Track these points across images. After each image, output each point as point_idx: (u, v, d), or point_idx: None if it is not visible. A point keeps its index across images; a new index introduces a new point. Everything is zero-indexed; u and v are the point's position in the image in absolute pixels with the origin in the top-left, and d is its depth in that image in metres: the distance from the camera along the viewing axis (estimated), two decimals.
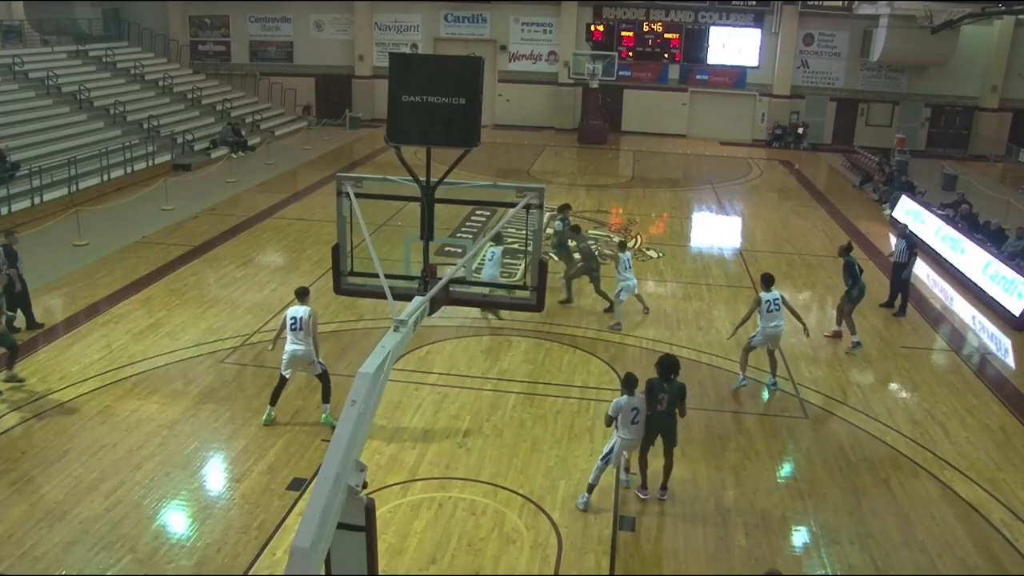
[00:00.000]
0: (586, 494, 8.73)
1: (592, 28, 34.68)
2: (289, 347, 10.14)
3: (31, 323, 12.75)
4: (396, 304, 6.51)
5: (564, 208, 15.52)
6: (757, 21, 33.89)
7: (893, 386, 12.15)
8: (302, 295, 10.42)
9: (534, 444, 9.96)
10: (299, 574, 4.87)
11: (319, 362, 10.29)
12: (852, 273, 13.13)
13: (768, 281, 11.57)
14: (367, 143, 31.13)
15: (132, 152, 23.19)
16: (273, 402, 10.30)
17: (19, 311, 12.60)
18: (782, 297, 11.40)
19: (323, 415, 10.31)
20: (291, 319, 10.11)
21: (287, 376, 10.25)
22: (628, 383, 8.70)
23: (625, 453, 8.92)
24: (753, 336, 11.52)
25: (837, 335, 13.56)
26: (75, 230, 17.21)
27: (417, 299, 6.67)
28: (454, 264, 7.35)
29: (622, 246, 14.24)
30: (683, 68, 34.62)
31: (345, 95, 36.00)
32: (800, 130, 33.71)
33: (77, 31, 31.59)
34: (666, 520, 8.66)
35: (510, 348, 12.73)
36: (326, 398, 10.31)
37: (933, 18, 29.70)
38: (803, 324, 11.77)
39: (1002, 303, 15.18)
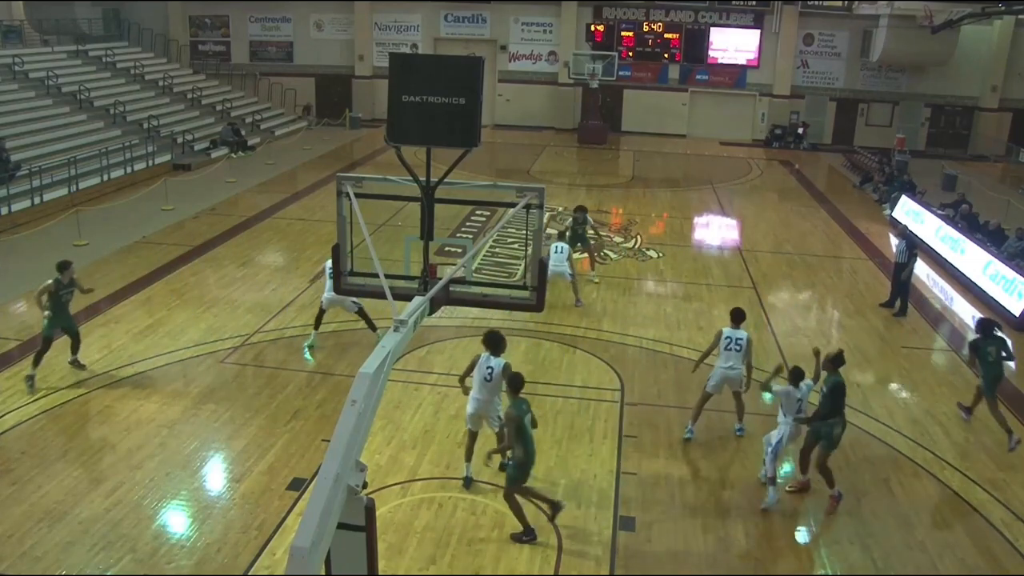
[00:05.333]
0: (772, 489, 8.82)
1: (592, 28, 34.68)
2: (327, 293, 11.89)
3: None
4: (396, 304, 6.51)
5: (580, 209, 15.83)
6: (757, 21, 33.88)
7: (893, 386, 12.14)
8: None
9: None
10: (299, 574, 4.88)
11: (354, 301, 11.70)
12: (1005, 347, 10.61)
13: (738, 317, 10.09)
14: (367, 143, 31.14)
15: (132, 152, 23.19)
16: (316, 327, 12.27)
17: None
18: (749, 339, 9.94)
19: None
20: (330, 269, 11.26)
21: (325, 308, 12.12)
22: (795, 375, 8.93)
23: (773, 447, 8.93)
24: (708, 380, 10.13)
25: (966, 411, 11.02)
26: (75, 230, 17.21)
27: (417, 299, 6.67)
28: (454, 264, 7.35)
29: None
30: (683, 68, 34.62)
31: (345, 95, 35.99)
32: (800, 130, 33.71)
33: (77, 31, 31.59)
34: (666, 520, 8.65)
35: (510, 348, 12.66)
36: (372, 327, 12.24)
37: (933, 18, 29.69)
38: (748, 378, 10.13)
39: (1002, 303, 15.18)
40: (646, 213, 22.08)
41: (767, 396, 10.86)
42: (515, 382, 8.24)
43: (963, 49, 31.68)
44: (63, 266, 11.28)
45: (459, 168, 6.80)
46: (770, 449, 8.87)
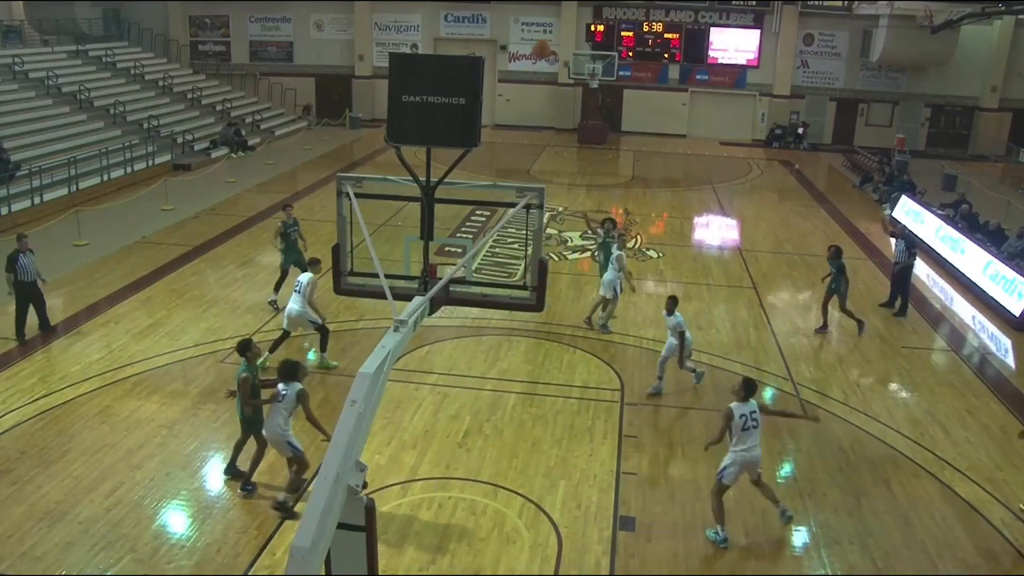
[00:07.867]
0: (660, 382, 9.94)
1: (592, 28, 34.68)
2: (288, 305, 11.69)
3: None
4: (396, 304, 6.51)
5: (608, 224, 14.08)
6: (757, 21, 33.89)
7: (893, 386, 12.14)
8: (313, 263, 11.92)
9: (534, 444, 9.95)
10: (299, 574, 4.88)
11: (312, 321, 11.61)
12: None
13: (749, 388, 8.21)
14: (367, 143, 31.14)
15: (132, 152, 23.19)
16: (272, 350, 11.50)
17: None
18: (760, 408, 8.29)
19: (319, 360, 11.79)
20: (296, 282, 11.71)
21: (287, 330, 11.74)
22: (672, 302, 10.94)
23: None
24: (724, 468, 8.24)
25: None
26: (75, 230, 17.21)
27: (417, 299, 6.68)
28: (454, 264, 7.36)
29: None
30: (683, 68, 34.62)
31: (345, 95, 36.00)
32: (800, 130, 33.72)
33: (77, 31, 31.61)
34: (666, 520, 8.65)
35: (510, 348, 12.73)
36: (323, 347, 11.82)
37: (933, 18, 29.71)
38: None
39: (1002, 303, 15.17)
40: (646, 213, 22.07)
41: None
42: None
43: (963, 49, 31.68)
44: (284, 206, 14.02)
45: (459, 168, 6.80)
46: (662, 359, 11.12)
